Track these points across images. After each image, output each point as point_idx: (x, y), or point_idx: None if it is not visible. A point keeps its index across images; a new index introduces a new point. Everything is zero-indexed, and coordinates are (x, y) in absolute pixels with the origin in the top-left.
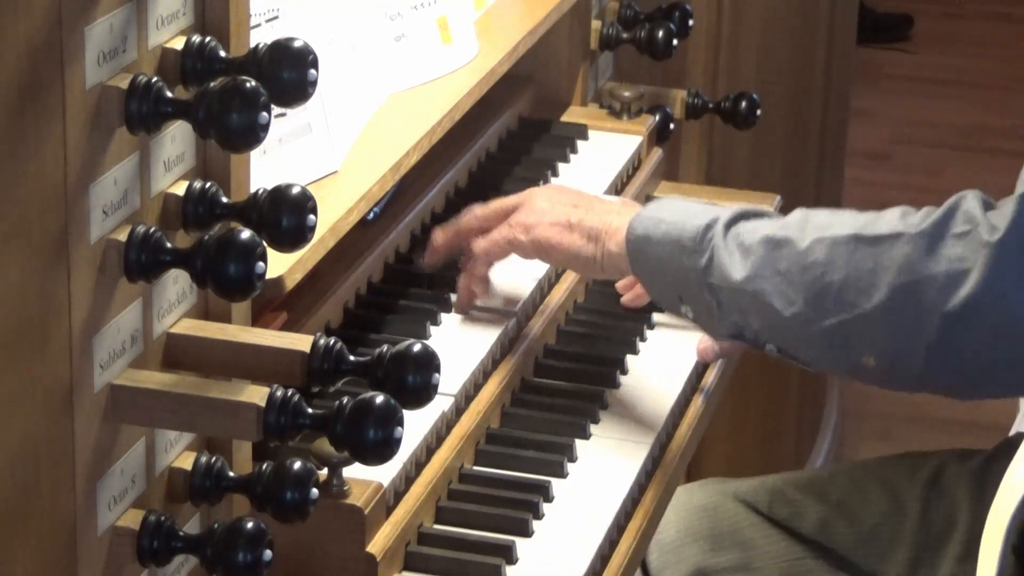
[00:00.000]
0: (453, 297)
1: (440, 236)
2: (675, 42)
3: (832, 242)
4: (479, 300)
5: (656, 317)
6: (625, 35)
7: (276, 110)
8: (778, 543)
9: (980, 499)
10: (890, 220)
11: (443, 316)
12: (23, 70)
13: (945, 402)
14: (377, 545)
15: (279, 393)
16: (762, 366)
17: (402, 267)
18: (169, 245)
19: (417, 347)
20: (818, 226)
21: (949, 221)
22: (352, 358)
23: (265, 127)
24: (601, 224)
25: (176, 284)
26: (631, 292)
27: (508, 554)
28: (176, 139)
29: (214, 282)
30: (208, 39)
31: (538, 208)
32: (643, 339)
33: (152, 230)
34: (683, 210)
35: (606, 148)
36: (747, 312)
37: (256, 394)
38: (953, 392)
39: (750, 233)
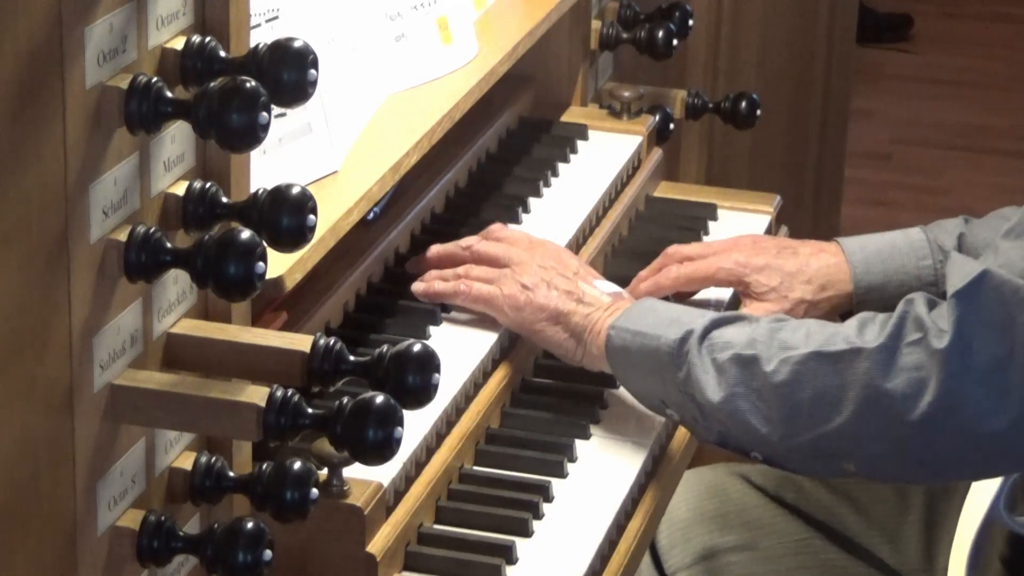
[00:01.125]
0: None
1: (430, 273)
2: (675, 42)
3: (796, 361)
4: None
5: None
6: (625, 35)
7: (276, 110)
8: (786, 523)
9: None
10: (847, 335)
11: (443, 316)
12: (23, 70)
13: None
14: (377, 545)
15: (279, 393)
16: None
17: (402, 267)
18: (169, 245)
19: (417, 347)
20: (783, 344)
21: (902, 331)
22: (352, 358)
23: (265, 127)
24: (587, 323)
25: (176, 284)
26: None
27: (508, 554)
28: (176, 139)
29: (214, 282)
30: (208, 39)
31: (532, 285)
32: None
33: (152, 230)
34: (656, 319)
35: (606, 148)
36: (728, 427)
37: (256, 394)
38: (945, 483)
39: (722, 349)
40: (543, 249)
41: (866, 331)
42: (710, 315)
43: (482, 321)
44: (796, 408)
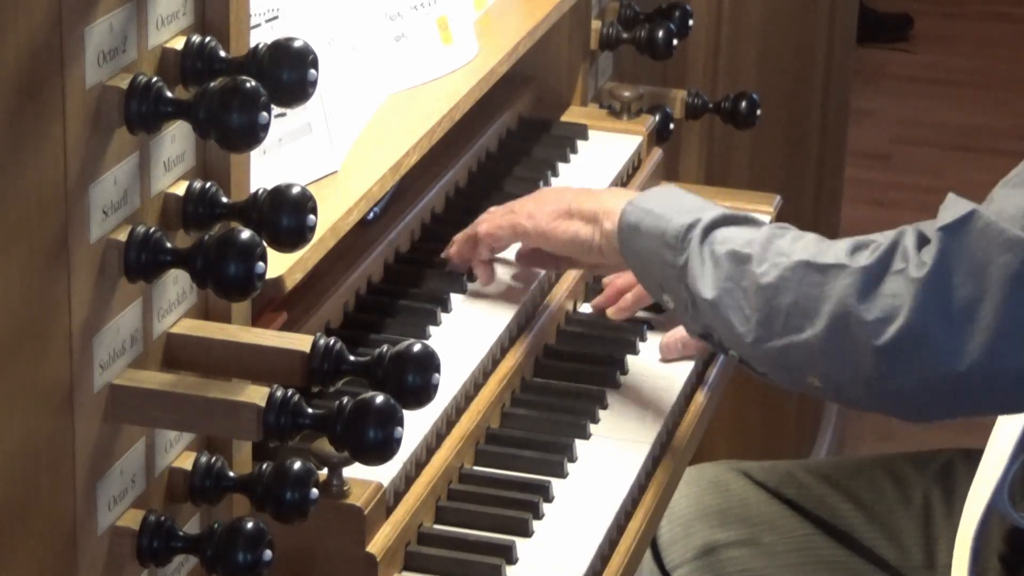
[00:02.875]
0: (453, 297)
1: (457, 242)
2: (675, 42)
3: (785, 266)
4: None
5: (655, 318)
6: (625, 35)
7: (276, 110)
8: (787, 520)
9: None
10: (838, 251)
11: (443, 316)
12: (23, 70)
13: None
14: (377, 545)
15: (279, 393)
16: None
17: (402, 267)
18: (169, 245)
19: (417, 347)
20: (778, 249)
21: (891, 259)
22: (352, 358)
23: (265, 127)
24: (599, 207)
25: (176, 284)
26: (615, 305)
27: (508, 554)
28: (176, 139)
29: (214, 282)
30: (208, 39)
31: (543, 197)
32: (643, 339)
33: (152, 230)
34: (673, 204)
35: (606, 148)
36: (712, 320)
37: (256, 394)
38: (900, 417)
39: (721, 244)
40: (549, 188)
41: (857, 253)
42: (721, 210)
43: (482, 321)
44: (774, 313)
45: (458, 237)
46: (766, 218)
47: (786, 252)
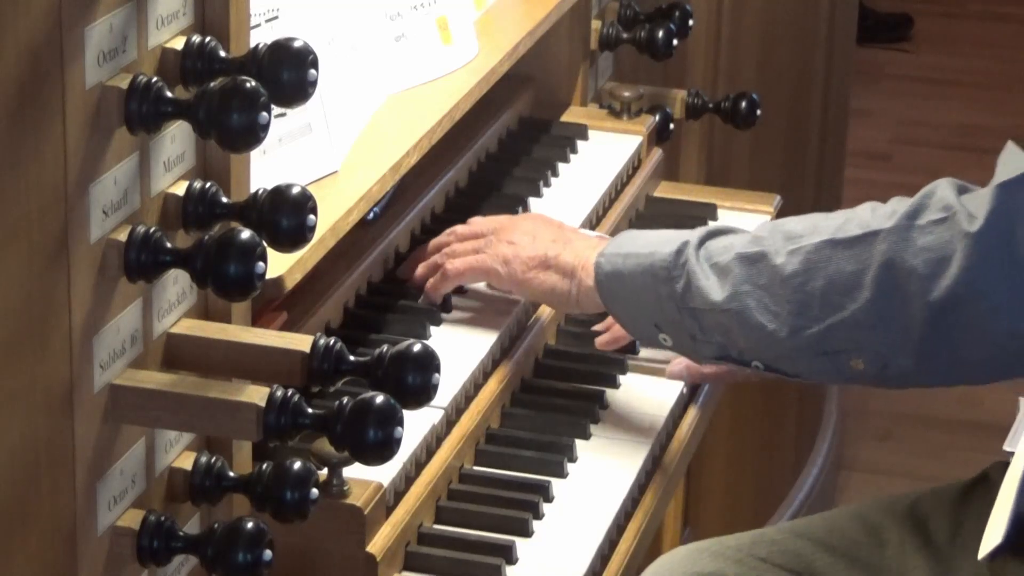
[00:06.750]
0: (453, 297)
1: (421, 266)
2: (675, 42)
3: (808, 250)
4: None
5: None
6: (625, 35)
7: (276, 110)
8: (765, 573)
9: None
10: (862, 219)
11: (443, 316)
12: (23, 70)
13: (945, 402)
14: (377, 545)
15: (279, 393)
16: None
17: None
18: (169, 245)
19: (417, 347)
20: (789, 237)
21: (923, 210)
22: (352, 358)
23: (265, 127)
24: (577, 260)
25: (176, 284)
26: (607, 334)
27: (508, 554)
28: (176, 139)
29: (214, 282)
30: (208, 39)
31: (518, 240)
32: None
33: (152, 230)
34: (649, 240)
35: (606, 148)
36: (731, 331)
37: (256, 394)
38: (950, 383)
39: (722, 253)
40: (523, 217)
41: (879, 213)
42: (702, 228)
43: (482, 321)
44: (808, 299)
45: (423, 264)
46: (766, 218)
47: (798, 235)
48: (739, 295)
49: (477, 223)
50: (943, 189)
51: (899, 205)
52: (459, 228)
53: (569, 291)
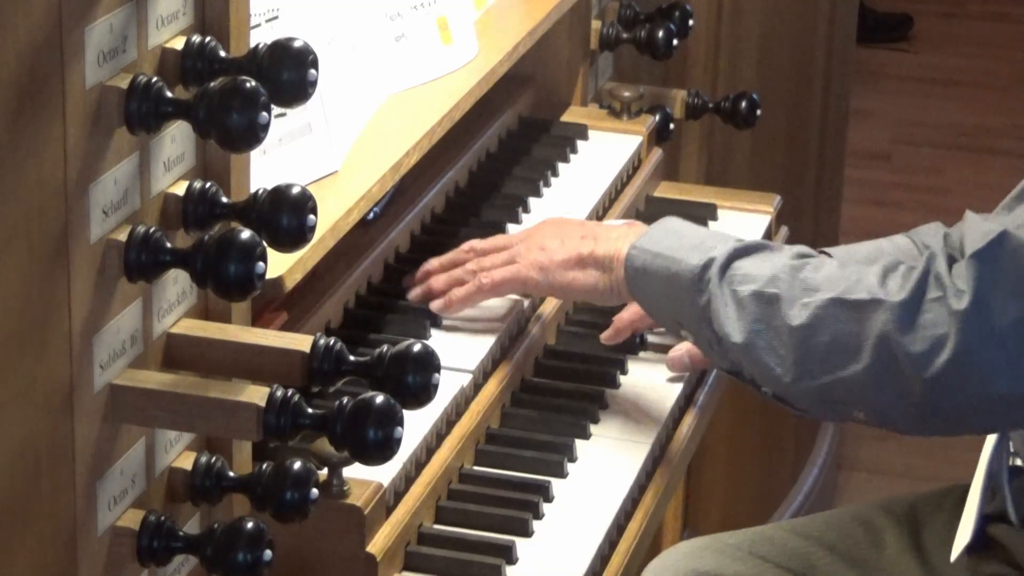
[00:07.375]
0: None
1: (438, 278)
2: (675, 42)
3: (817, 305)
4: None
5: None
6: (625, 35)
7: (276, 110)
8: (765, 572)
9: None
10: (869, 283)
11: (443, 316)
12: (23, 70)
13: None
14: (377, 545)
15: (279, 393)
16: None
17: (402, 267)
18: (169, 245)
19: (417, 347)
20: (804, 285)
21: (925, 287)
22: (352, 358)
23: (265, 127)
24: (612, 251)
25: (176, 284)
26: (610, 328)
27: (508, 554)
28: (176, 139)
29: (214, 282)
30: (208, 39)
31: (548, 245)
32: (643, 340)
33: (152, 230)
34: (678, 243)
35: (606, 148)
36: (743, 362)
37: (256, 394)
38: (948, 435)
39: (743, 282)
40: (544, 223)
41: (889, 282)
42: (732, 242)
43: (482, 321)
44: (811, 352)
45: (438, 279)
46: (766, 219)
47: (813, 287)
48: (752, 333)
49: (497, 238)
50: (938, 264)
51: (907, 276)
52: (477, 243)
53: (610, 284)
